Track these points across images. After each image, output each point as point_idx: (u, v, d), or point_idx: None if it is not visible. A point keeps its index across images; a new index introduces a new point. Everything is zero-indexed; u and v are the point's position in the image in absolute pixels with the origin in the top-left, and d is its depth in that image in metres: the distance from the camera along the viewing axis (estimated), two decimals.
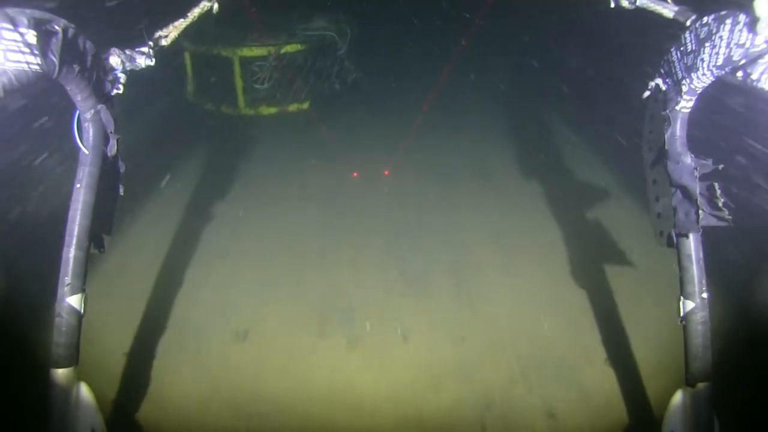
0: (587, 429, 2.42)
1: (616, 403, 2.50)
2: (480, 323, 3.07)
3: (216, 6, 2.56)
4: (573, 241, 3.77)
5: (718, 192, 1.98)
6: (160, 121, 5.78)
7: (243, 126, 5.97)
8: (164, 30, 2.40)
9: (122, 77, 2.17)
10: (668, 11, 2.17)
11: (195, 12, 2.52)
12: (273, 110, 6.21)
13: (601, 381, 2.64)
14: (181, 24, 2.46)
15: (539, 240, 3.84)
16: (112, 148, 2.11)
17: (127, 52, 2.20)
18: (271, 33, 6.11)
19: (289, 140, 5.64)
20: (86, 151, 2.03)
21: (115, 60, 2.18)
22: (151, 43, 2.28)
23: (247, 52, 5.99)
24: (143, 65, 2.22)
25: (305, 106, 6.34)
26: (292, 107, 6.29)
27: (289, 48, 6.09)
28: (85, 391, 1.99)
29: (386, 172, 4.86)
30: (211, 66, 6.11)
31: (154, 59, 2.24)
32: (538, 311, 3.13)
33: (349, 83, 6.69)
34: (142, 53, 2.24)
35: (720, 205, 1.98)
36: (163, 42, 2.36)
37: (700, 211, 1.93)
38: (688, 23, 2.08)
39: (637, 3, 2.23)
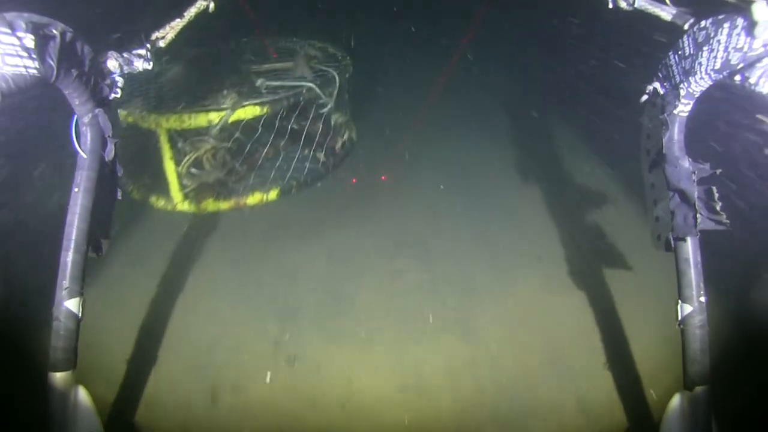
0: None
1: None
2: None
3: (212, 5, 2.55)
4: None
5: (716, 196, 1.98)
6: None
7: (172, 231, 3.87)
8: (161, 31, 2.41)
9: (120, 81, 2.18)
10: (666, 14, 2.17)
11: (191, 11, 2.51)
12: (223, 206, 4.07)
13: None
14: (177, 24, 2.46)
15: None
16: (110, 152, 2.12)
17: (125, 55, 2.21)
18: (217, 90, 4.04)
19: (237, 267, 3.52)
20: (84, 156, 2.03)
21: (112, 63, 2.18)
22: (148, 45, 2.29)
23: (178, 122, 3.73)
24: (141, 68, 2.22)
25: (272, 196, 4.19)
26: (253, 199, 4.13)
27: (246, 113, 3.83)
28: (83, 394, 1.99)
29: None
30: (134, 138, 3.97)
31: (151, 62, 2.24)
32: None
33: (340, 151, 4.74)
34: (140, 56, 2.24)
35: (717, 208, 1.98)
36: (161, 44, 2.36)
37: (698, 215, 1.93)
38: (686, 26, 2.08)
39: (635, 5, 2.23)
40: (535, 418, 2.50)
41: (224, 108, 3.79)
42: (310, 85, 4.12)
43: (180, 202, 4.03)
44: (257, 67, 4.56)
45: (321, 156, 4.56)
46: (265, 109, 3.88)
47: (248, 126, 3.99)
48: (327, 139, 4.55)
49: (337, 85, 4.34)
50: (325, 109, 4.32)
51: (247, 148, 4.10)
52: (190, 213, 4.04)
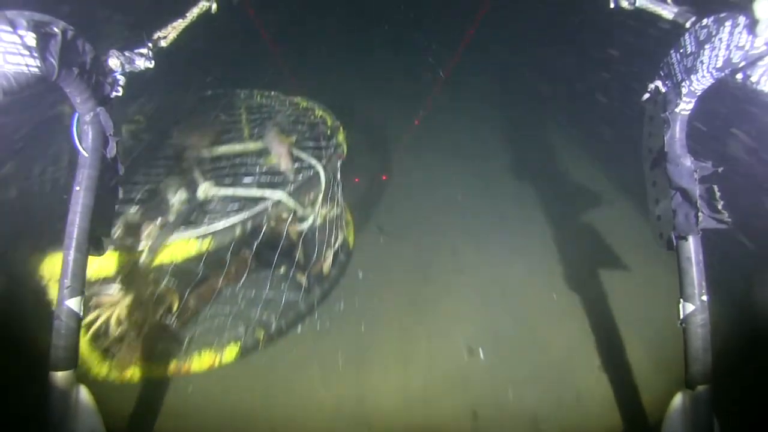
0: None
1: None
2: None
3: (215, 6, 2.55)
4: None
5: (718, 194, 1.98)
6: None
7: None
8: (163, 31, 2.41)
9: (121, 79, 2.17)
10: (668, 12, 2.17)
11: (194, 12, 2.51)
12: (157, 372, 2.86)
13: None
14: (179, 24, 2.46)
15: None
16: (112, 151, 2.11)
17: (126, 53, 2.21)
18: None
19: None
20: (86, 154, 2.03)
21: (114, 62, 2.18)
22: (150, 44, 2.28)
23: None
24: (142, 67, 2.22)
25: (228, 357, 2.96)
26: (200, 363, 2.90)
27: (175, 252, 2.59)
28: (84, 393, 1.98)
29: None
30: None
31: (153, 61, 2.24)
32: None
33: (331, 271, 3.49)
34: (142, 55, 2.24)
35: (719, 207, 1.98)
36: (163, 43, 2.36)
37: (700, 214, 1.93)
38: (687, 25, 2.08)
39: (637, 3, 2.23)
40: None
41: (131, 249, 2.47)
42: (280, 198, 2.77)
43: (96, 367, 2.69)
44: (211, 151, 3.28)
45: (303, 280, 3.27)
46: (206, 244, 2.57)
47: (180, 272, 2.75)
48: (310, 260, 3.21)
49: (323, 185, 3.00)
50: (305, 225, 3.05)
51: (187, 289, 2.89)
52: (113, 382, 2.69)
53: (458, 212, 4.37)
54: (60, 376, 1.95)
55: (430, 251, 3.93)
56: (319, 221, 3.18)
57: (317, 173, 3.02)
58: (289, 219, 2.94)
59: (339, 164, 3.29)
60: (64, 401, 1.94)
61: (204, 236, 2.58)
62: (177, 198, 2.79)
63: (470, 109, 6.23)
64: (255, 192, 2.81)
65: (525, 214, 4.27)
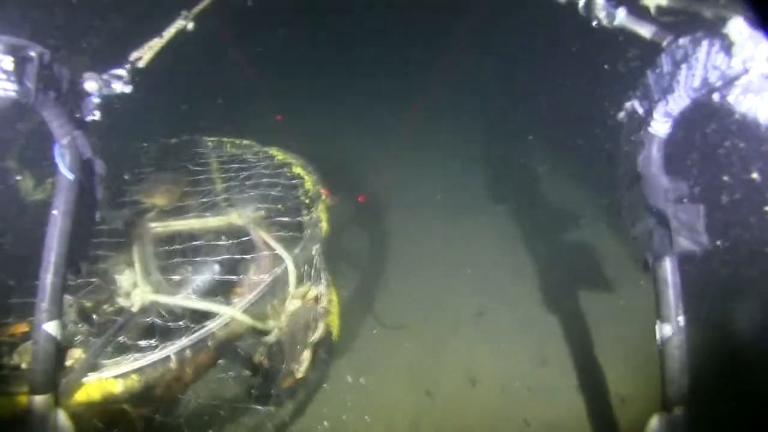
0: None
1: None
2: None
3: (191, 25, 2.55)
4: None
5: (702, 214, 1.96)
6: None
7: None
8: (139, 51, 2.40)
9: (98, 102, 2.17)
10: (646, 31, 2.16)
11: (171, 31, 2.51)
12: None
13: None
14: (156, 44, 2.46)
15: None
16: (92, 174, 2.12)
17: (104, 76, 2.21)
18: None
19: None
20: (69, 177, 2.04)
21: (91, 85, 2.18)
22: (128, 66, 2.29)
23: None
24: (119, 90, 2.22)
25: None
26: None
27: (85, 394, 2.09)
28: (62, 418, 1.99)
29: None
30: None
31: (131, 86, 2.24)
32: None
33: (306, 376, 2.80)
34: (119, 77, 2.24)
35: (698, 227, 1.97)
36: (140, 64, 2.36)
37: (675, 235, 1.91)
38: (664, 44, 2.06)
39: (616, 22, 2.22)
40: None
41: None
42: (232, 315, 2.27)
43: None
44: (160, 225, 2.79)
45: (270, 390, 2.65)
46: (132, 383, 2.10)
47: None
48: (278, 373, 2.63)
49: (292, 285, 2.51)
50: (270, 338, 2.50)
51: None
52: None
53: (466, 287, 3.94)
54: (38, 400, 1.95)
55: (435, 349, 3.39)
56: (287, 320, 2.59)
57: (285, 274, 2.46)
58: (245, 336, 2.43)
59: (317, 248, 2.78)
60: (43, 424, 1.95)
61: (126, 375, 2.10)
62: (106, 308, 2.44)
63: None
64: (201, 305, 2.30)
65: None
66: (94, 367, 2.12)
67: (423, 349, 3.38)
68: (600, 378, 2.79)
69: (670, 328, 1.96)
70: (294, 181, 3.13)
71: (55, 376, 1.99)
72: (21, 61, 1.90)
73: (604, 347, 3.06)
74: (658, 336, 1.99)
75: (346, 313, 3.37)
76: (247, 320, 2.29)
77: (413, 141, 5.72)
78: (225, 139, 3.63)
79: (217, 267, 2.68)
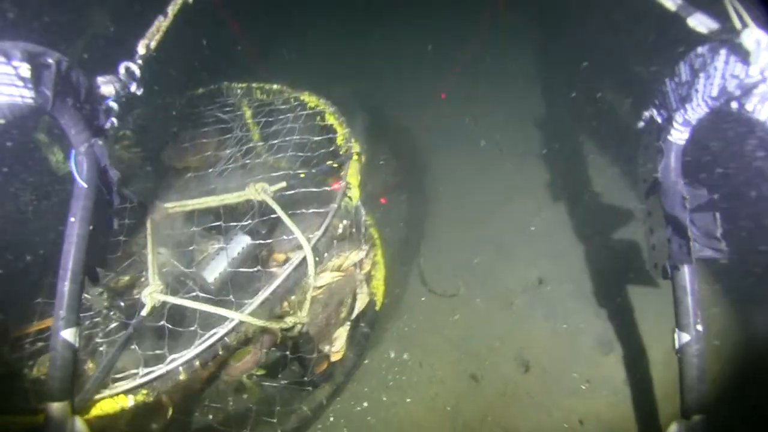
0: None
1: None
2: None
3: None
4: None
5: (718, 222, 1.96)
6: None
7: None
8: (148, 35, 2.36)
9: (115, 106, 2.17)
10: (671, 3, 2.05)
11: (174, 7, 2.45)
12: None
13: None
14: (162, 24, 2.38)
15: None
16: (112, 181, 2.12)
17: (120, 77, 2.19)
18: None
19: None
20: (84, 185, 2.03)
21: (107, 89, 2.17)
22: (139, 57, 2.26)
23: None
24: (134, 91, 2.21)
25: None
26: None
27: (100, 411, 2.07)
28: (80, 425, 1.99)
29: None
30: None
31: (142, 88, 2.23)
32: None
33: (345, 360, 2.80)
34: (133, 74, 2.21)
35: (717, 235, 1.97)
36: (152, 45, 2.32)
37: (693, 243, 1.92)
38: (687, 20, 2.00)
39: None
40: None
41: None
42: (241, 320, 2.10)
43: None
44: (175, 205, 2.60)
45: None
46: (142, 397, 2.07)
47: None
48: (309, 362, 2.56)
49: (312, 275, 2.25)
50: (294, 331, 2.32)
51: None
52: None
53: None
54: (56, 407, 1.95)
55: (486, 324, 3.03)
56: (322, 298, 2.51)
57: (304, 261, 2.22)
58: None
59: (357, 205, 2.55)
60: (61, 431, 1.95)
61: (135, 390, 2.06)
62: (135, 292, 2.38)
63: None
64: (208, 308, 2.15)
65: None
66: (104, 384, 2.09)
67: (473, 324, 3.04)
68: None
69: (689, 337, 1.96)
70: (324, 137, 2.85)
71: (72, 384, 1.98)
72: (38, 68, 1.90)
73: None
74: (676, 344, 1.99)
75: (391, 277, 3.16)
76: (258, 323, 2.12)
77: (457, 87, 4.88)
78: (254, 85, 3.35)
79: (247, 237, 2.58)
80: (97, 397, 2.07)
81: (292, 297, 2.22)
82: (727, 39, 1.89)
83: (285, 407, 2.60)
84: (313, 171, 2.63)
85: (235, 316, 2.10)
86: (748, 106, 1.89)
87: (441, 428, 2.67)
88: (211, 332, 2.10)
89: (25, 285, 2.54)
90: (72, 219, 2.01)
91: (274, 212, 2.42)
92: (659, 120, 2.05)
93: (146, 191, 2.81)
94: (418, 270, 3.40)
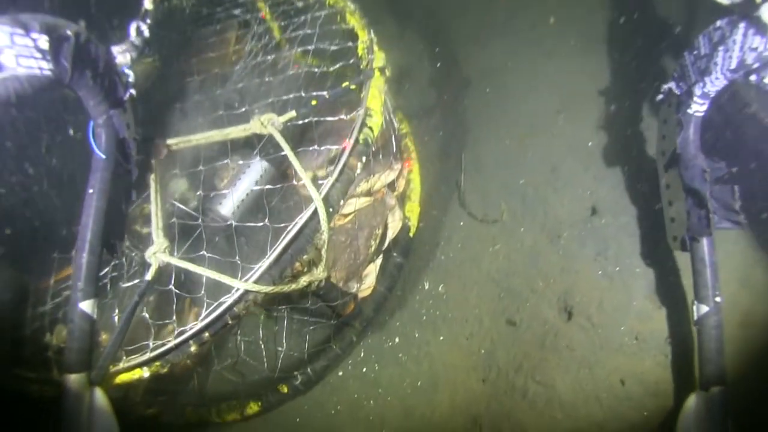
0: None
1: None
2: None
3: None
4: None
5: (736, 194, 1.98)
6: None
7: None
8: None
9: (131, 75, 2.16)
10: None
11: None
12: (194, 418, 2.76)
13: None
14: None
15: None
16: (128, 153, 2.11)
17: (133, 41, 2.17)
18: None
19: None
20: (102, 156, 2.03)
21: (123, 58, 2.16)
22: (148, 20, 2.19)
23: None
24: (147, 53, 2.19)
25: (253, 408, 2.72)
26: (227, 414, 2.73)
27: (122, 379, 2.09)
28: (99, 396, 1.98)
29: None
30: None
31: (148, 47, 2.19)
32: None
33: (375, 295, 2.77)
34: (142, 33, 2.17)
35: (736, 207, 1.98)
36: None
37: (713, 215, 1.93)
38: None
39: None
40: None
41: None
42: (246, 288, 1.95)
43: None
44: (178, 141, 2.32)
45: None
46: (156, 368, 2.08)
47: None
48: (334, 308, 2.46)
49: (326, 231, 2.03)
50: (311, 287, 2.17)
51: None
52: None
53: None
54: (73, 379, 1.94)
55: (529, 258, 2.73)
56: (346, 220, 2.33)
57: (315, 215, 1.99)
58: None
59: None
60: (78, 404, 1.94)
61: (148, 362, 2.05)
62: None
63: None
64: (212, 274, 2.01)
65: None
66: (118, 357, 2.06)
67: (515, 258, 2.73)
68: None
69: (708, 308, 1.97)
70: (342, 46, 2.51)
71: (90, 355, 1.98)
72: (57, 40, 1.90)
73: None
74: (695, 315, 2.00)
75: (428, 198, 2.91)
76: (266, 290, 1.95)
77: None
78: None
79: (264, 163, 2.40)
80: (112, 370, 2.05)
81: (305, 256, 2.03)
82: (746, 12, 1.89)
83: (314, 346, 2.61)
84: (326, 95, 2.31)
85: (239, 285, 1.95)
86: (767, 79, 1.91)
87: (474, 372, 2.57)
88: (219, 301, 2.00)
89: (41, 239, 2.50)
90: (90, 191, 2.01)
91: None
92: (678, 93, 2.06)
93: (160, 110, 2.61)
94: (458, 190, 3.01)
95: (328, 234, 2.02)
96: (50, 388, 2.07)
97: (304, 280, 2.06)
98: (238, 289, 1.97)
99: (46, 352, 2.17)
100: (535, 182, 2.87)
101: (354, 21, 2.54)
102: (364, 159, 2.13)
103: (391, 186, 2.63)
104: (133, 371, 2.07)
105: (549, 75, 3.14)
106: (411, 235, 2.83)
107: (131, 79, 2.13)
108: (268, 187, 2.40)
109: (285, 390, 2.66)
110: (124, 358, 2.09)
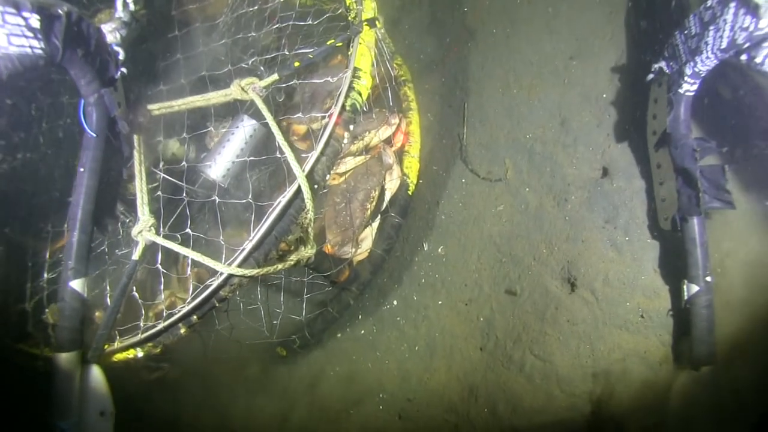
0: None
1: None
2: None
3: None
4: None
5: (726, 174, 1.98)
6: None
7: None
8: None
9: (121, 53, 2.15)
10: None
11: None
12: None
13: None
14: None
15: None
16: (122, 131, 2.11)
17: (120, 16, 2.16)
18: None
19: None
20: (93, 135, 2.03)
21: (113, 36, 2.15)
22: None
23: None
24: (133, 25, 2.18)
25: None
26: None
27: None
28: (96, 373, 1.99)
29: None
30: None
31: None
32: None
33: (373, 258, 2.72)
34: (127, 4, 2.17)
35: (726, 187, 1.99)
36: None
37: (703, 195, 1.93)
38: None
39: None
40: None
41: None
42: (230, 272, 1.92)
43: None
44: (160, 106, 2.28)
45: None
46: (149, 348, 2.14)
47: None
48: (330, 274, 2.43)
49: (310, 208, 1.97)
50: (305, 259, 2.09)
51: None
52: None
53: None
54: (64, 357, 1.94)
55: (533, 222, 2.54)
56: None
57: (300, 192, 1.92)
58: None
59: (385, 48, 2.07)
60: (69, 382, 1.94)
61: (139, 344, 2.07)
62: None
63: None
64: (197, 256, 1.96)
65: None
66: (111, 337, 2.07)
67: (518, 220, 2.57)
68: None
69: (698, 288, 1.97)
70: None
71: (81, 334, 1.98)
72: (48, 19, 1.90)
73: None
74: (685, 295, 2.00)
75: (428, 152, 2.73)
76: (252, 273, 1.88)
77: None
78: None
79: (253, 122, 2.29)
80: (108, 350, 2.06)
81: (290, 237, 1.96)
82: None
83: (312, 310, 2.56)
84: (310, 55, 2.13)
85: (223, 269, 1.90)
86: (758, 59, 1.91)
87: (471, 340, 2.51)
88: (204, 284, 1.97)
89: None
90: (81, 169, 2.02)
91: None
92: (669, 72, 2.06)
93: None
94: (459, 143, 2.79)
95: (313, 213, 1.96)
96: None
97: (291, 259, 2.00)
98: (222, 273, 1.92)
99: (47, 329, 2.21)
100: (543, 137, 2.61)
101: None
102: (351, 128, 2.01)
103: (389, 141, 2.52)
104: (127, 351, 2.09)
105: (563, 13, 2.74)
106: (410, 193, 2.71)
107: (122, 57, 2.13)
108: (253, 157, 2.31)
109: (284, 353, 2.66)
110: (118, 338, 2.10)
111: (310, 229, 1.99)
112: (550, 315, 2.41)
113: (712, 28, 1.94)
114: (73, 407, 1.93)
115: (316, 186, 1.97)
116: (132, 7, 2.16)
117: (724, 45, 1.92)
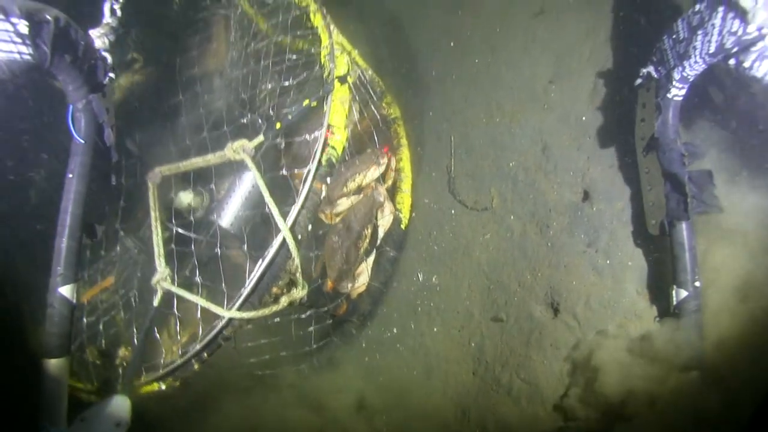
0: None
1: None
2: None
3: None
4: None
5: (713, 178, 1.98)
6: None
7: None
8: None
9: (110, 58, 2.15)
10: None
11: None
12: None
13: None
14: None
15: None
16: (108, 138, 2.11)
17: (111, 23, 2.16)
18: None
19: None
20: (81, 141, 2.03)
21: (101, 41, 2.15)
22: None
23: None
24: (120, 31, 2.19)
25: None
26: None
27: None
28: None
29: None
30: None
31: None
32: None
33: (371, 291, 2.92)
34: (114, 12, 2.17)
35: (714, 192, 1.99)
36: None
37: (691, 200, 1.93)
38: None
39: None
40: None
41: None
42: (229, 317, 2.13)
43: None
44: (169, 167, 2.59)
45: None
46: (170, 382, 2.31)
47: None
48: (327, 310, 2.63)
49: (296, 257, 2.16)
50: (298, 298, 2.29)
51: None
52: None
53: None
54: (53, 363, 1.95)
55: (519, 251, 2.62)
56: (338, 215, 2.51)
57: (284, 244, 2.11)
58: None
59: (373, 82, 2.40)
60: (58, 388, 1.94)
61: (162, 378, 2.26)
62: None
63: None
64: (202, 302, 2.19)
65: None
66: (138, 373, 2.28)
67: (504, 248, 2.63)
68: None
69: (687, 293, 1.96)
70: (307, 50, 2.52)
71: (70, 339, 1.98)
72: (37, 25, 1.90)
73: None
74: (674, 300, 2.00)
75: (419, 185, 2.85)
76: (249, 316, 2.10)
77: None
78: None
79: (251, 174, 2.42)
80: (135, 384, 2.26)
81: (280, 282, 2.17)
82: None
83: (318, 341, 2.68)
84: (289, 116, 2.32)
85: (224, 314, 2.10)
86: (746, 63, 1.90)
87: (464, 364, 2.61)
88: (211, 326, 2.17)
89: None
90: (70, 175, 2.02)
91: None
92: (657, 77, 2.05)
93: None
94: (448, 176, 2.89)
95: (299, 260, 2.14)
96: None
97: (284, 301, 2.17)
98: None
99: (88, 366, 2.43)
100: (526, 164, 2.69)
101: (318, 21, 2.48)
102: (329, 180, 2.20)
103: (380, 179, 2.67)
104: (152, 384, 2.28)
105: (541, 37, 2.79)
106: (403, 227, 2.87)
107: (110, 62, 2.13)
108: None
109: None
110: (144, 374, 2.29)
111: (298, 274, 2.16)
112: (534, 340, 2.46)
113: (700, 32, 1.94)
114: (62, 413, 1.93)
115: (299, 236, 2.15)
116: (119, 12, 2.16)
117: (712, 49, 1.92)
